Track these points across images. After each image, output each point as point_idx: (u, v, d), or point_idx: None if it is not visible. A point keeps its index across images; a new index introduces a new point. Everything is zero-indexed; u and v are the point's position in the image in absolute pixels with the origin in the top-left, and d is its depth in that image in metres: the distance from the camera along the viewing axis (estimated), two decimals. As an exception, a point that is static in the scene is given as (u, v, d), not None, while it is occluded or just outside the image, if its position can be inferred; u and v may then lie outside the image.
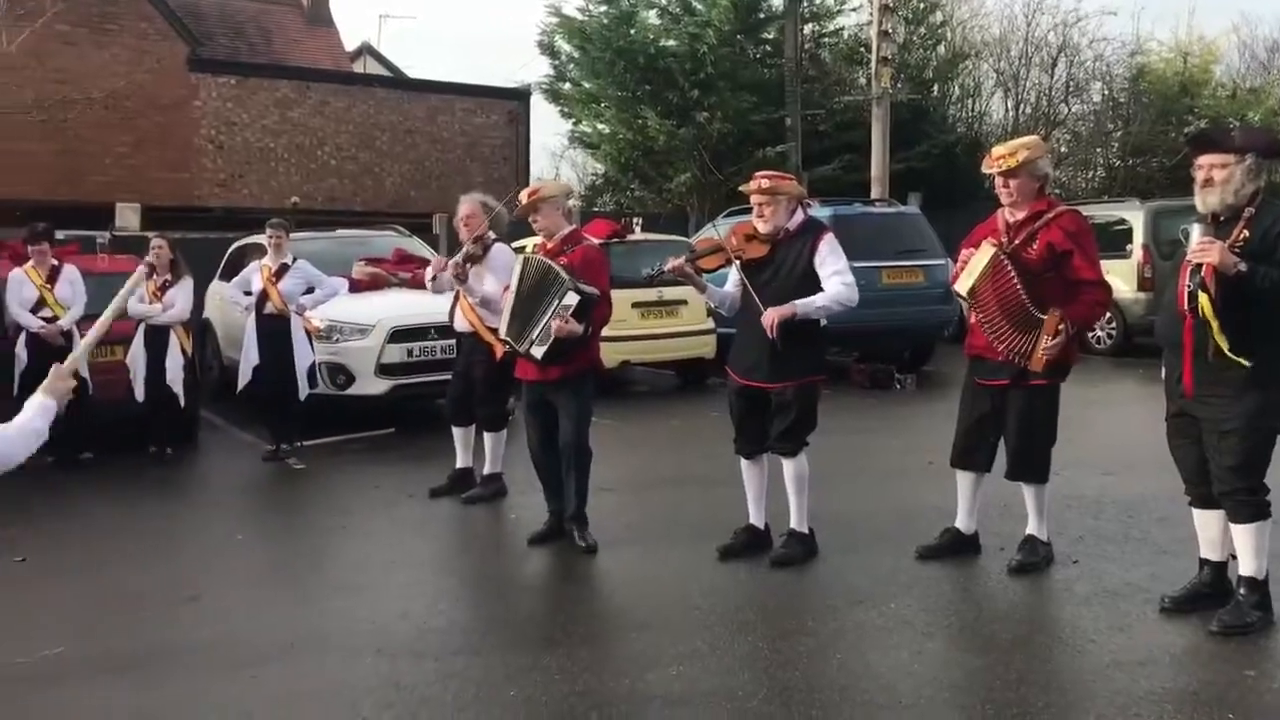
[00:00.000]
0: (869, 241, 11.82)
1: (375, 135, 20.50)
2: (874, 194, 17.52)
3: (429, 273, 7.46)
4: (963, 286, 5.38)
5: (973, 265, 5.35)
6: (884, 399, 11.33)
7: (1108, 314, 13.34)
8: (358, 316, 9.76)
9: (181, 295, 9.00)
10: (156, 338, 8.93)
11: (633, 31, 21.46)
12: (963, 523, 5.82)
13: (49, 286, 8.77)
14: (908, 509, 6.65)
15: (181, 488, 8.37)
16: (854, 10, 23.48)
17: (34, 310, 8.70)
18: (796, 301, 5.59)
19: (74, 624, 5.22)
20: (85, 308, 8.82)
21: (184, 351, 9.04)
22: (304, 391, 8.89)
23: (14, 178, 15.93)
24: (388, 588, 5.60)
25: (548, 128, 51.57)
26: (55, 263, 8.89)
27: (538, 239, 6.56)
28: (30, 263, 8.85)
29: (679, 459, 8.77)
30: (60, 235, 9.42)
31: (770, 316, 5.55)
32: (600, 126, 22.68)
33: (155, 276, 8.97)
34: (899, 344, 12.90)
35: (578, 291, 5.85)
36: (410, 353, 9.72)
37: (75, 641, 4.96)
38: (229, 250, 12.22)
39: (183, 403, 9.05)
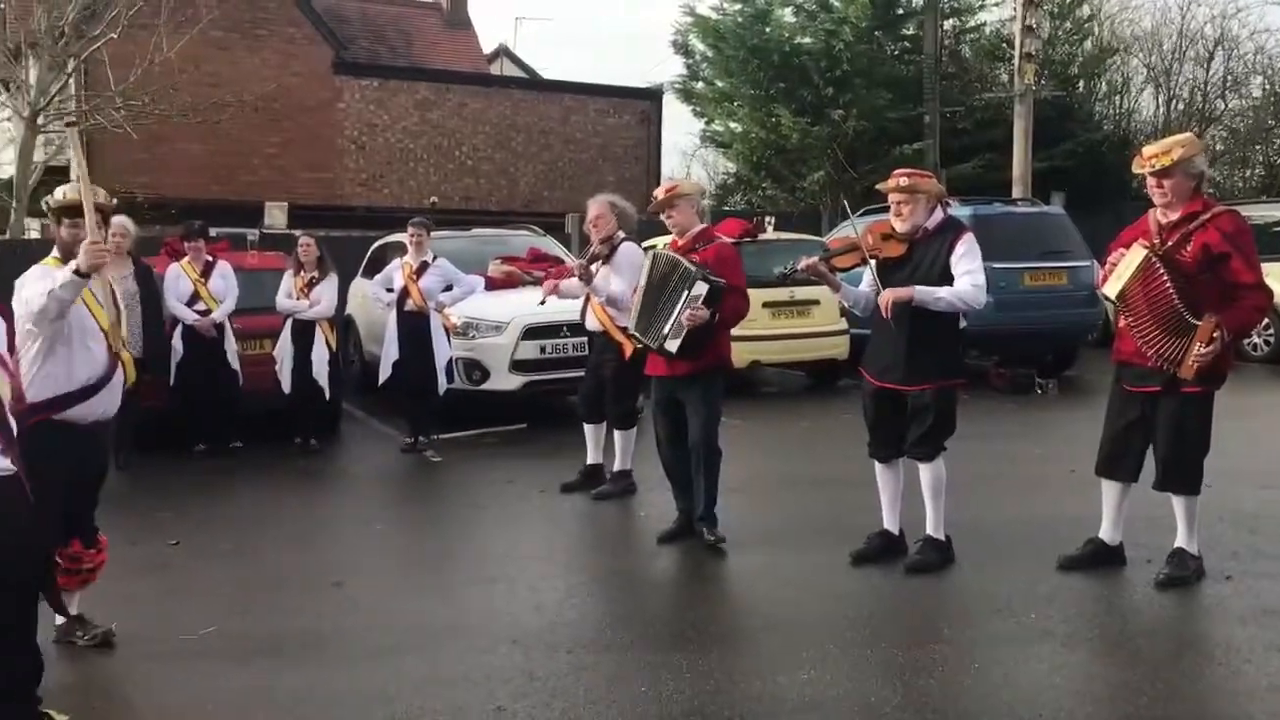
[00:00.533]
0: (1010, 242, 11.52)
1: (511, 136, 20.85)
2: (1015, 193, 17.05)
3: (548, 284, 7.56)
4: (1111, 289, 5.20)
5: (1122, 268, 5.16)
6: (1024, 404, 11.02)
7: (1265, 319, 12.72)
8: (493, 314, 9.94)
9: (327, 291, 9.30)
10: (303, 332, 9.24)
11: (768, 30, 21.33)
12: (1107, 533, 5.62)
13: (203, 281, 9.14)
14: (1049, 518, 6.45)
15: (324, 477, 8.65)
16: (996, 5, 22.91)
17: (189, 304, 9.09)
18: (916, 286, 5.48)
19: (224, 606, 5.43)
20: (237, 302, 9.19)
21: (329, 346, 9.34)
22: (443, 386, 9.09)
23: (171, 177, 16.72)
24: (521, 580, 5.69)
25: (679, 127, 51.57)
26: (209, 259, 9.27)
27: (667, 237, 6.57)
28: (186, 259, 9.24)
29: (810, 461, 8.69)
30: (213, 233, 9.82)
31: (887, 296, 5.47)
32: (733, 125, 22.61)
33: (303, 273, 9.29)
34: (1041, 347, 12.52)
35: (705, 280, 5.86)
36: (543, 350, 9.85)
37: (225, 622, 5.17)
38: (371, 248, 12.58)
39: (328, 395, 9.35)
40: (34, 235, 17.31)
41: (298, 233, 10.48)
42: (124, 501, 7.44)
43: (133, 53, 14.79)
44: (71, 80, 15.59)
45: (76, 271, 4.27)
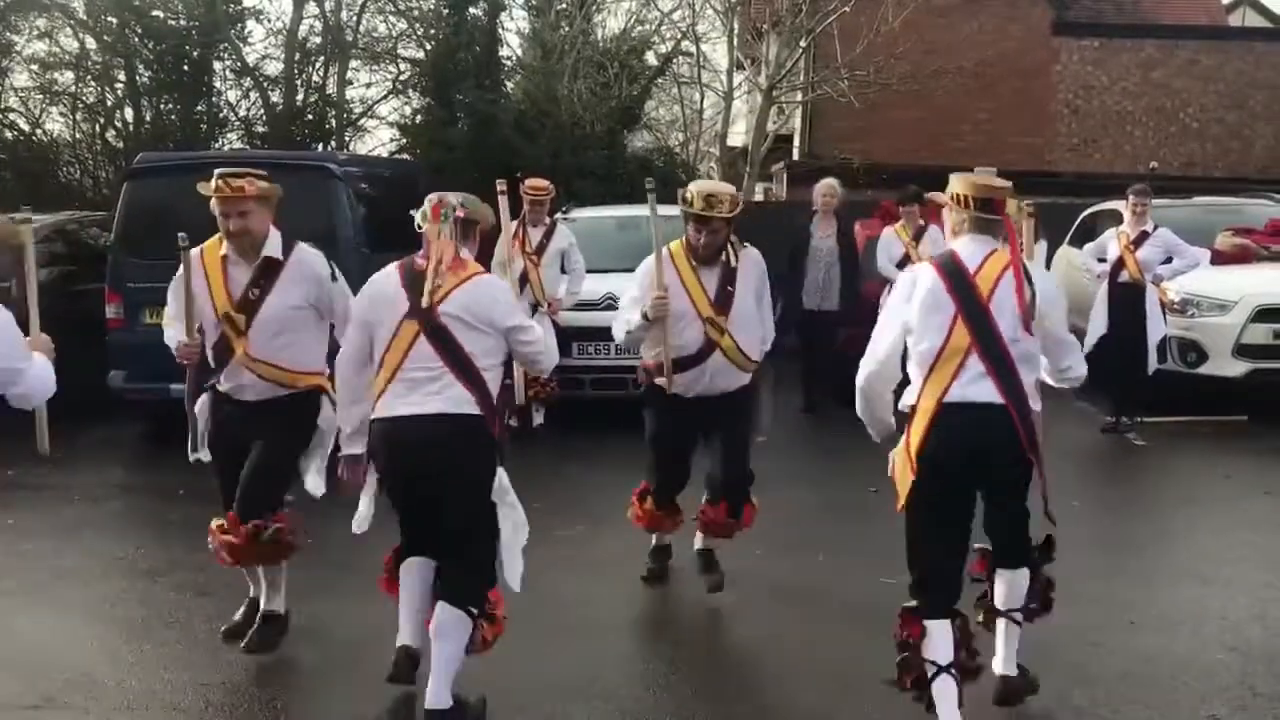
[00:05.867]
0: None
1: (1248, 94, 18.70)
2: None
3: None
4: None
5: None
6: None
7: None
8: (1217, 291, 9.06)
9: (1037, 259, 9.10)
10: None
11: None
12: None
13: (914, 244, 9.42)
14: None
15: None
16: None
17: (900, 266, 9.39)
18: None
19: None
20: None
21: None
22: (1152, 365, 8.51)
23: (883, 143, 17.44)
24: (1240, 585, 5.19)
25: None
26: (922, 223, 9.54)
27: None
28: (900, 222, 9.61)
29: None
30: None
31: None
32: None
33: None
34: None
35: None
36: (1276, 335, 8.78)
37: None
38: (1080, 216, 12.09)
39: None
40: (758, 199, 19.18)
41: (1029, 204, 10.35)
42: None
43: (860, 25, 15.60)
44: (802, 55, 16.88)
45: None
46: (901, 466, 3.69)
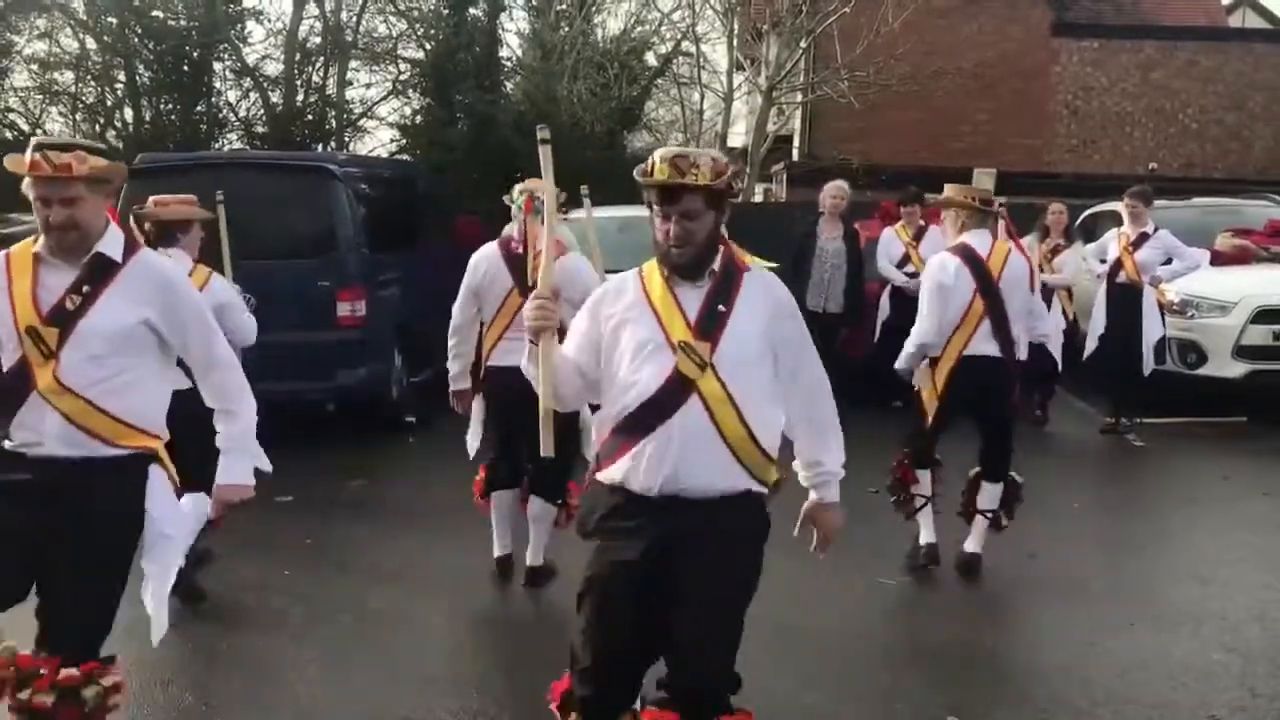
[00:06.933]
0: None
1: (1247, 95, 18.71)
2: None
3: None
4: None
5: None
6: None
7: None
8: (1217, 292, 9.06)
9: (1071, 261, 9.13)
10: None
11: None
12: None
13: (915, 245, 9.44)
14: None
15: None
16: None
17: (899, 266, 9.44)
18: None
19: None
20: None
21: (1065, 315, 9.17)
22: (1149, 366, 8.51)
23: (883, 144, 17.45)
24: (1238, 585, 5.20)
25: None
26: (922, 224, 9.55)
27: None
28: (900, 223, 9.61)
29: None
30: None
31: None
32: None
33: (1049, 240, 9.21)
34: None
35: None
36: (1276, 336, 8.79)
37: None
38: (1080, 217, 12.09)
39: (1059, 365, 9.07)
40: (757, 199, 19.19)
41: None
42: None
43: (860, 26, 15.61)
44: (802, 55, 16.88)
45: None
46: (929, 394, 5.30)
